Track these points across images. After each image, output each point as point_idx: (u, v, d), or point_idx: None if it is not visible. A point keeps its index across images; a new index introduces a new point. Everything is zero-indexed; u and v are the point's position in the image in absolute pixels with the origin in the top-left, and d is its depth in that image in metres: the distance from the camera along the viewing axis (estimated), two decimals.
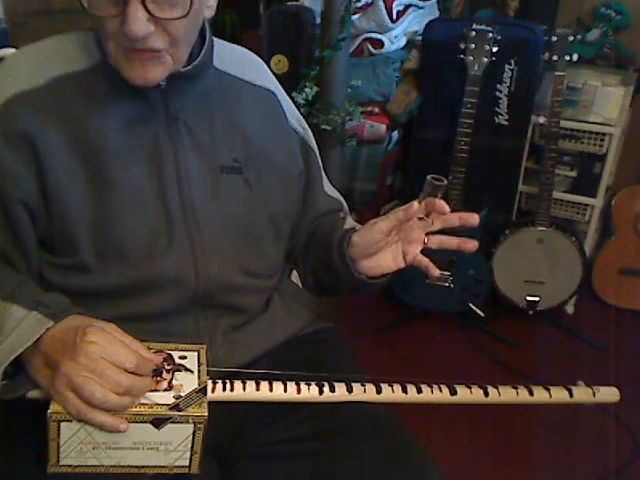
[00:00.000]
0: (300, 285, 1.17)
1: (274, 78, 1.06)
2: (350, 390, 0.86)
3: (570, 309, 2.53)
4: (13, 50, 1.65)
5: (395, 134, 2.56)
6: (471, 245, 0.92)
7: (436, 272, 0.95)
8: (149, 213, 0.88)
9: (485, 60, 2.12)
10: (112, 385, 0.70)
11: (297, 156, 1.05)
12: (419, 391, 0.89)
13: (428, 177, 0.89)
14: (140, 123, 0.88)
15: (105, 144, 0.86)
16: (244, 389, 0.81)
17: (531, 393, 0.94)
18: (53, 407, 0.71)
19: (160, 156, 0.89)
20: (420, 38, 2.48)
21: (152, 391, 0.75)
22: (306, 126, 1.09)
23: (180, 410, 0.73)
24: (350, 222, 1.07)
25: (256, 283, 0.99)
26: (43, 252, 0.88)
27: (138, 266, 0.88)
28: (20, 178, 0.84)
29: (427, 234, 0.93)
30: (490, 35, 2.11)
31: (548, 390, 0.95)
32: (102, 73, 0.87)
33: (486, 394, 0.92)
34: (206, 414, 0.74)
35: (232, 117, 0.96)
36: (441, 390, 0.90)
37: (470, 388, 0.92)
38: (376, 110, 2.45)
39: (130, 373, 0.72)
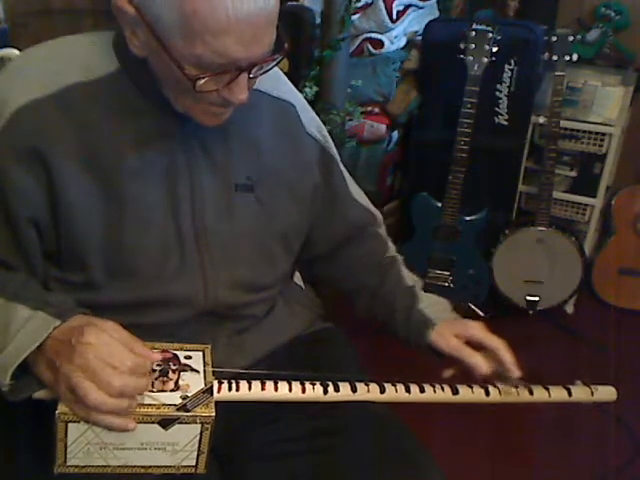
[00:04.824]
0: (302, 286, 1.17)
1: (293, 87, 1.04)
2: (354, 390, 0.87)
3: (570, 309, 2.54)
4: (14, 50, 1.63)
5: (395, 134, 2.56)
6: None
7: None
8: (161, 232, 0.87)
9: (485, 60, 2.12)
10: (105, 386, 0.69)
11: (312, 170, 1.02)
12: (422, 390, 0.90)
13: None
14: (156, 137, 0.85)
15: (120, 160, 0.83)
16: (250, 389, 0.82)
17: (531, 392, 0.95)
18: (61, 408, 0.71)
19: (175, 173, 0.87)
20: (420, 38, 2.48)
21: (159, 391, 0.75)
22: (326, 134, 1.06)
23: (187, 410, 0.74)
24: (427, 303, 1.04)
25: (263, 295, 1.00)
26: (49, 266, 0.87)
27: (147, 285, 0.87)
28: (29, 195, 0.81)
29: None
30: (490, 35, 2.11)
31: (547, 389, 0.96)
32: (119, 82, 0.84)
33: (487, 393, 0.93)
34: (213, 414, 0.74)
35: (247, 131, 0.93)
36: (443, 390, 0.91)
37: (472, 387, 0.93)
38: (376, 110, 2.45)
39: (129, 374, 0.71)
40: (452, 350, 0.95)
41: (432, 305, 1.02)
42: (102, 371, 0.70)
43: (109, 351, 0.71)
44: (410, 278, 1.07)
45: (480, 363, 0.93)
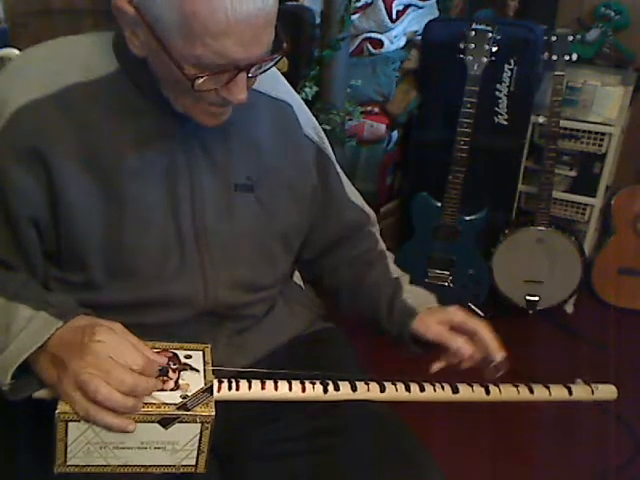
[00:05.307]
0: (302, 286, 1.17)
1: (290, 88, 1.04)
2: (354, 389, 0.87)
3: (570, 308, 2.54)
4: (14, 50, 1.64)
5: (395, 134, 2.56)
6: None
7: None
8: (161, 232, 0.87)
9: (485, 60, 2.12)
10: (117, 383, 0.70)
11: (310, 170, 1.02)
12: (422, 389, 0.90)
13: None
14: (156, 137, 0.86)
15: (120, 160, 0.83)
16: (249, 388, 0.82)
17: (531, 391, 0.95)
18: (61, 407, 0.71)
19: (175, 173, 0.87)
20: (420, 38, 2.48)
21: (159, 391, 0.75)
22: (323, 135, 1.06)
23: (187, 410, 0.74)
24: (410, 293, 1.04)
25: (263, 295, 1.00)
26: (49, 266, 0.87)
27: (147, 285, 0.87)
28: (29, 195, 0.81)
29: None
30: (490, 35, 2.12)
31: (548, 388, 0.97)
32: (119, 82, 0.84)
33: (487, 392, 0.93)
34: (213, 413, 0.74)
35: (247, 131, 0.93)
36: (443, 388, 0.91)
37: (472, 386, 0.93)
38: (376, 110, 2.45)
39: (136, 374, 0.72)
40: (435, 336, 0.95)
41: (416, 296, 1.03)
42: (114, 369, 0.71)
43: (121, 350, 0.72)
44: (396, 271, 1.08)
45: (463, 345, 0.93)
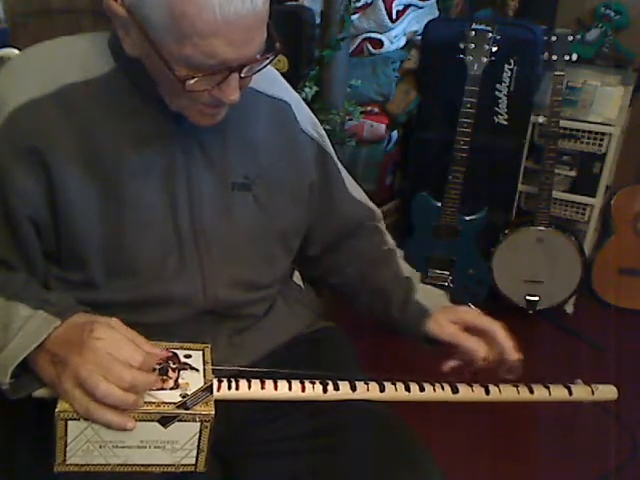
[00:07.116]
0: (302, 286, 1.17)
1: (288, 86, 1.04)
2: (354, 388, 0.87)
3: (570, 309, 2.54)
4: (14, 50, 1.64)
5: (394, 134, 2.56)
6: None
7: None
8: (160, 232, 0.87)
9: (485, 60, 2.12)
10: (116, 380, 0.70)
11: (308, 168, 1.02)
12: (422, 389, 0.90)
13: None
14: (155, 137, 0.86)
15: (120, 160, 0.83)
16: (249, 388, 0.82)
17: (531, 391, 0.95)
18: (61, 405, 0.71)
19: (173, 173, 0.87)
20: (420, 38, 2.48)
21: (159, 389, 0.75)
22: (322, 132, 1.06)
23: (187, 408, 0.74)
24: (422, 292, 1.03)
25: (262, 294, 1.00)
26: (49, 265, 0.87)
27: (147, 284, 0.87)
28: (29, 195, 0.81)
29: None
30: (490, 35, 2.12)
31: (548, 388, 0.97)
32: (116, 82, 0.84)
33: (487, 392, 0.93)
34: (213, 412, 0.74)
35: (244, 130, 0.94)
36: (443, 388, 0.91)
37: (472, 386, 0.93)
38: (376, 110, 2.45)
39: (139, 369, 0.72)
40: (449, 336, 0.94)
41: (428, 295, 1.02)
42: (113, 365, 0.71)
43: (120, 346, 0.73)
44: (407, 270, 1.07)
45: (476, 346, 0.92)
